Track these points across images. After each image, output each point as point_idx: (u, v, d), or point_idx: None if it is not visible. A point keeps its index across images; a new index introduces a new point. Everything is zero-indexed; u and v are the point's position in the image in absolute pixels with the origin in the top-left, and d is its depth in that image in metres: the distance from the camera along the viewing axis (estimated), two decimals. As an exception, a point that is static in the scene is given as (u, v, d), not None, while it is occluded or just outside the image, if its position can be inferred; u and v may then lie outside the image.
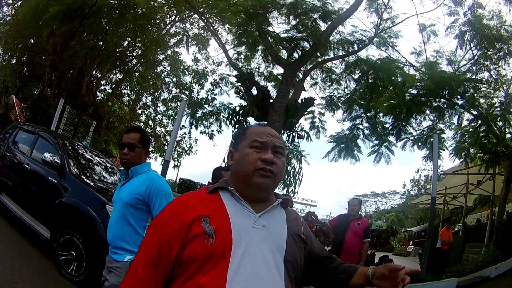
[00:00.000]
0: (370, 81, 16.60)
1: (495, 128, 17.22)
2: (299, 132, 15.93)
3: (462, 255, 17.39)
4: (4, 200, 9.51)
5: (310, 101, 15.43)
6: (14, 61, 27.09)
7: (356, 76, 17.44)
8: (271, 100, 14.61)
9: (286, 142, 15.80)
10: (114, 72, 29.94)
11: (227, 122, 16.93)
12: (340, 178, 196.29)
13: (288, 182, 15.77)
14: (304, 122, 24.50)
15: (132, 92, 32.06)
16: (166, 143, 31.27)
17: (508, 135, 17.99)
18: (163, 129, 32.78)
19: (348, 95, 18.33)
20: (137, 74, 29.03)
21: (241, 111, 15.30)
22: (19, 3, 23.68)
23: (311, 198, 65.31)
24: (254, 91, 15.00)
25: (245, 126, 13.84)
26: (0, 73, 27.51)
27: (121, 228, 4.24)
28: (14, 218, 9.01)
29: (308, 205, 59.68)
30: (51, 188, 8.47)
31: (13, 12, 25.01)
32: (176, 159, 32.35)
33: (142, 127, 32.89)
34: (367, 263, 11.50)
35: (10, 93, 26.89)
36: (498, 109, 17.61)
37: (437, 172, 14.12)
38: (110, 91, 31.24)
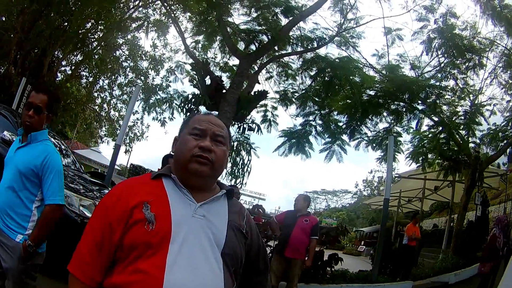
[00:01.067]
0: (326, 78, 16.28)
1: (457, 136, 17.21)
2: (249, 124, 15.71)
3: (417, 259, 17.11)
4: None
5: (263, 94, 15.22)
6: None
7: (312, 73, 17.14)
8: (224, 91, 14.36)
9: (236, 133, 15.81)
10: (75, 53, 29.34)
11: (179, 109, 16.68)
12: (290, 173, 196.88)
13: (236, 174, 15.39)
14: (256, 115, 24.26)
15: (90, 75, 31.23)
16: (119, 127, 29.92)
17: (471, 144, 18.17)
18: (117, 113, 32.31)
19: (303, 91, 17.94)
20: (96, 57, 28.49)
21: (193, 100, 14.89)
22: None
23: (260, 191, 66.08)
24: (208, 80, 14.66)
25: (196, 114, 13.94)
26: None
27: (11, 196, 3.89)
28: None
29: (257, 198, 60.55)
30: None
31: None
32: (127, 144, 32.25)
33: (97, 109, 32.87)
34: (315, 260, 11.12)
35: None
36: (462, 117, 17.58)
37: (391, 174, 13.91)
38: (69, 72, 30.55)
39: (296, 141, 18.08)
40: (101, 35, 27.02)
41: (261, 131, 15.79)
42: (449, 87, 17.09)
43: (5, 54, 23.52)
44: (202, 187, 2.14)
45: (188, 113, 14.71)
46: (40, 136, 4.11)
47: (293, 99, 18.50)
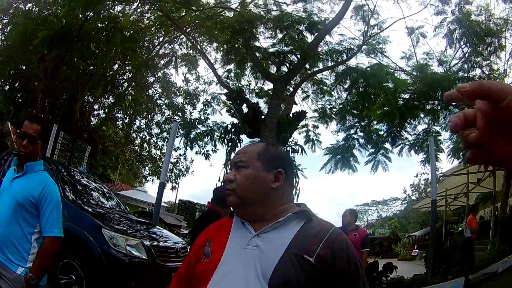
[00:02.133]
0: (361, 89, 16.24)
1: None
2: (293, 147, 15.49)
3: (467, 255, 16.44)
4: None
5: (302, 115, 15.16)
6: (7, 87, 26.90)
7: (346, 86, 17.08)
8: (262, 116, 14.27)
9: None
10: (106, 96, 29.72)
11: (220, 141, 16.54)
12: (339, 189, 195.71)
13: None
14: (298, 136, 24.17)
15: (125, 116, 31.76)
16: (162, 165, 29.89)
17: None
18: (158, 152, 32.29)
19: (341, 106, 17.96)
20: (129, 97, 28.82)
21: (233, 129, 14.91)
22: (8, 28, 23.22)
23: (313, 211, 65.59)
24: (245, 108, 14.69)
25: (238, 143, 14.35)
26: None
27: (11, 227, 3.85)
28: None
29: None
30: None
31: (2, 38, 24.70)
32: (173, 181, 31.91)
33: (138, 150, 33.08)
34: (370, 272, 11.27)
35: (5, 120, 26.58)
36: None
37: (435, 175, 13.80)
38: (103, 115, 30.94)
39: (340, 156, 18.05)
40: (130, 76, 27.29)
41: (305, 152, 15.64)
42: (476, 77, 16.69)
43: (32, 102, 24.30)
44: (256, 217, 2.14)
45: (230, 143, 14.75)
46: (36, 166, 4.11)
47: (332, 115, 18.45)
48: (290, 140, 15.43)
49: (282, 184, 2.13)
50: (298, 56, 15.05)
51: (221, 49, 18.35)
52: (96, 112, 31.37)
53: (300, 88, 17.77)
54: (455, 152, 17.42)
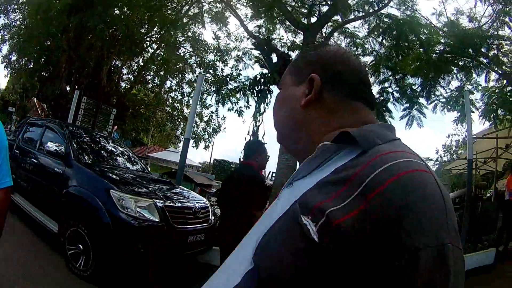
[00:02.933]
0: (394, 39, 15.56)
1: None
2: None
3: (497, 223, 15.36)
4: (17, 200, 8.93)
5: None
6: (31, 65, 26.61)
7: (380, 37, 16.42)
8: None
9: None
10: (135, 60, 29.23)
11: (249, 92, 15.85)
12: None
13: None
14: None
15: (156, 77, 31.07)
16: (195, 124, 29.27)
17: None
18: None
19: (374, 59, 17.25)
20: (159, 58, 27.98)
21: (262, 80, 14.05)
22: (25, 6, 22.80)
23: None
24: (274, 58, 13.92)
25: (267, 94, 13.57)
26: (19, 78, 27.51)
27: None
28: (26, 216, 8.58)
29: None
30: (58, 179, 8.06)
31: (21, 16, 24.68)
32: (207, 140, 30.45)
33: (170, 110, 32.55)
34: None
35: (30, 96, 26.32)
36: None
37: (471, 132, 12.72)
38: (132, 79, 30.49)
39: (375, 110, 16.97)
40: (158, 37, 26.59)
41: None
42: (505, 37, 15.74)
43: (56, 75, 24.09)
44: (299, 154, 1.41)
45: (260, 94, 13.99)
46: None
47: (367, 69, 17.53)
48: None
49: (319, 97, 1.34)
50: (329, 3, 14.53)
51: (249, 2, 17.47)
52: (125, 77, 31.10)
53: (332, 40, 16.93)
54: (487, 113, 16.58)
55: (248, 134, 13.25)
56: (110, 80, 26.63)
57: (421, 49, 14.80)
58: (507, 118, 17.75)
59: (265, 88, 13.98)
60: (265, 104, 13.41)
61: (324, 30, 15.89)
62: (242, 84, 17.57)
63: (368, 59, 17.70)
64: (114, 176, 8.03)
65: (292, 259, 0.95)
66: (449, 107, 16.73)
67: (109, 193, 6.81)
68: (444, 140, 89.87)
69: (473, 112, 16.21)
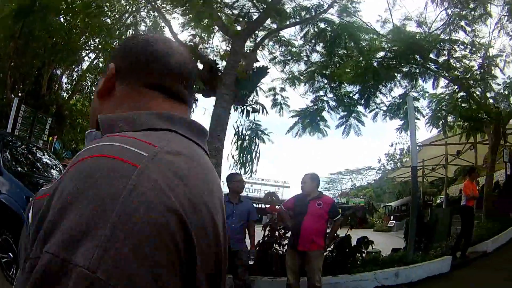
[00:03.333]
0: (329, 44, 14.80)
1: (474, 94, 15.83)
2: (253, 106, 13.73)
3: (450, 229, 14.90)
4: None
5: (263, 70, 13.35)
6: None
7: (314, 42, 15.58)
8: (219, 73, 12.62)
9: (240, 117, 13.89)
10: (74, 69, 28.45)
11: None
12: (313, 157, 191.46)
13: (243, 161, 13.32)
14: (265, 100, 22.75)
15: (94, 87, 29.38)
16: None
17: (490, 100, 16.48)
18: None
19: (309, 67, 16.39)
20: (97, 68, 26.85)
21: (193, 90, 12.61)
22: None
23: (283, 179, 66.49)
24: (200, 65, 12.88)
25: (193, 102, 12.34)
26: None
27: None
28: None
29: (280, 186, 60.72)
30: (-13, 188, 7.99)
31: None
32: None
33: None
34: (340, 246, 9.70)
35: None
36: (478, 71, 15.76)
37: (415, 138, 11.74)
38: (71, 88, 29.63)
39: (309, 119, 16.34)
40: (97, 45, 25.23)
41: (266, 111, 13.87)
42: (459, 41, 15.10)
43: (1, 82, 22.92)
44: None
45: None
46: None
47: (301, 77, 16.79)
48: (251, 98, 13.76)
49: (112, 87, 1.21)
50: (260, 10, 13.86)
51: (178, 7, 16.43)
52: (65, 86, 30.35)
53: (267, 49, 16.53)
54: (434, 120, 16.26)
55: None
56: (50, 89, 25.91)
57: (360, 57, 14.00)
58: (458, 124, 17.04)
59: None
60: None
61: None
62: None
63: (303, 68, 16.92)
64: (38, 184, 7.90)
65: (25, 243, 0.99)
66: (391, 115, 15.90)
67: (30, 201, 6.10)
68: (387, 149, 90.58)
69: (419, 119, 15.69)
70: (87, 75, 27.90)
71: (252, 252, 8.10)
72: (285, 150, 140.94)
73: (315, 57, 16.21)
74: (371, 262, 10.29)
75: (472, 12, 14.92)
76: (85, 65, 27.55)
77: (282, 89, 17.23)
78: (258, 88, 14.99)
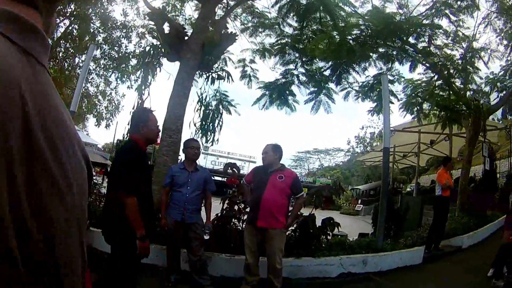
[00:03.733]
0: (302, 15, 13.92)
1: (454, 85, 15.30)
2: (219, 73, 12.70)
3: (422, 219, 14.43)
4: None
5: (231, 37, 12.36)
6: None
7: (285, 15, 14.60)
8: (186, 38, 11.79)
9: (205, 84, 12.80)
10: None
11: (138, 66, 14.97)
12: (282, 133, 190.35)
13: (205, 129, 12.36)
14: (234, 72, 22.04)
15: (67, 55, 28.04)
16: (99, 103, 28.58)
17: (469, 93, 16.33)
18: (95, 89, 29.16)
19: (281, 38, 15.54)
20: (72, 35, 25.84)
21: (152, 51, 12.07)
22: None
23: (250, 154, 66.61)
24: (167, 28, 12.07)
25: (157, 67, 12.17)
26: None
27: None
28: None
29: (247, 161, 60.56)
30: None
31: None
32: (108, 119, 28.79)
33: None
34: (303, 227, 8.79)
35: None
36: (459, 62, 15.24)
37: (388, 119, 10.80)
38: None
39: (277, 93, 15.64)
40: (73, 12, 24.45)
41: (232, 79, 12.81)
42: (441, 28, 14.24)
43: None
44: None
45: (148, 67, 12.07)
46: None
47: (272, 49, 15.97)
48: (217, 65, 12.88)
49: None
50: None
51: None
52: None
53: (239, 19, 16.05)
54: (409, 106, 15.80)
55: (133, 108, 11.39)
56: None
57: (334, 32, 13.23)
58: (434, 113, 16.73)
59: (155, 60, 12.20)
60: (151, 77, 11.86)
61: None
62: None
63: (274, 41, 16.06)
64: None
65: None
66: (364, 96, 15.42)
67: None
68: (357, 132, 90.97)
69: (393, 103, 15.05)
70: (61, 42, 26.50)
71: (208, 226, 7.30)
72: (253, 124, 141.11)
73: (288, 30, 15.46)
74: (337, 246, 9.43)
75: (458, 2, 14.22)
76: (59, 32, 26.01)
77: (252, 61, 16.70)
78: (227, 59, 14.84)
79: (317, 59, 14.89)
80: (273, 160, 6.95)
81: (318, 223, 9.30)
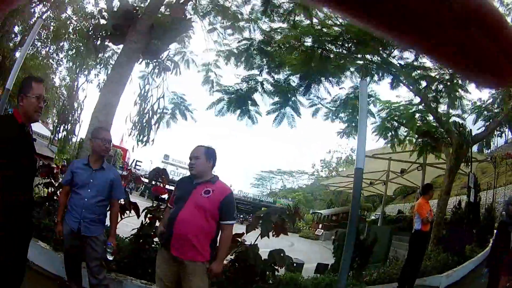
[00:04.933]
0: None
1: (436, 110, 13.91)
2: (165, 63, 10.80)
3: (389, 251, 12.80)
4: None
5: (186, 23, 10.54)
6: None
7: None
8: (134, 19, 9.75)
9: (148, 74, 11.18)
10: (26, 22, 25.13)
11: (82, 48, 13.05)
12: (242, 151, 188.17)
13: (140, 126, 10.28)
14: (196, 75, 20.62)
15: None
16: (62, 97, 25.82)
17: (455, 118, 14.64)
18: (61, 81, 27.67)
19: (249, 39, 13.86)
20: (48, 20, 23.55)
21: (96, 33, 10.25)
22: None
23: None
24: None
25: (100, 51, 11.29)
26: None
27: None
28: None
29: None
30: None
31: None
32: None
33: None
34: (241, 260, 6.37)
35: None
36: (441, 86, 13.70)
37: (365, 133, 8.48)
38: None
39: (237, 99, 13.78)
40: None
41: (179, 72, 11.02)
42: None
43: None
44: None
45: (97, 49, 10.64)
46: None
47: (236, 52, 14.08)
48: (165, 54, 10.94)
49: None
50: None
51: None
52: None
53: (208, 19, 14.21)
54: (383, 130, 14.36)
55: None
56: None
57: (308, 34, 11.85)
58: (409, 139, 15.15)
59: (97, 42, 10.47)
60: (93, 60, 10.91)
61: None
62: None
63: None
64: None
65: None
66: (335, 114, 14.08)
67: None
68: (323, 156, 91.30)
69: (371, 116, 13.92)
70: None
71: (109, 244, 5.19)
72: (213, 134, 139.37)
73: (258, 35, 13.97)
74: (287, 286, 7.03)
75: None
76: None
77: (217, 65, 15.12)
78: (190, 60, 13.85)
79: (287, 68, 13.20)
80: (205, 169, 4.54)
81: (265, 252, 6.75)
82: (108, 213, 5.42)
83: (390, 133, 14.43)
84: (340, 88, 13.67)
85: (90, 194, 5.07)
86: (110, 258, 5.23)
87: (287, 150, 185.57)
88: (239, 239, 6.32)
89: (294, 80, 13.70)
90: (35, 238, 6.75)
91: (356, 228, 8.93)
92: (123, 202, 6.40)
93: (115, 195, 5.32)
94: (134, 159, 24.76)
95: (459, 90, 13.72)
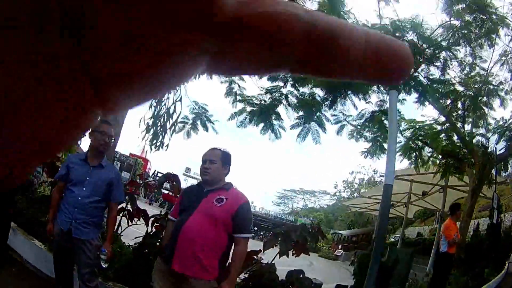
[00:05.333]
0: None
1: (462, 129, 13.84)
2: None
3: (409, 273, 11.49)
4: None
5: None
6: None
7: None
8: None
9: None
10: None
11: None
12: (266, 167, 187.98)
13: (154, 130, 9.49)
14: (219, 86, 20.21)
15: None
16: None
17: (479, 138, 14.37)
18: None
19: None
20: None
21: None
22: None
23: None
24: None
25: None
26: None
27: None
28: None
29: None
30: None
31: None
32: None
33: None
34: (256, 281, 5.73)
35: None
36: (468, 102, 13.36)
37: (395, 145, 7.98)
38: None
39: (260, 112, 13.27)
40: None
41: (198, 75, 10.20)
42: (458, 49, 12.70)
43: None
44: None
45: None
46: None
47: None
48: None
49: None
50: None
51: None
52: None
53: None
54: (407, 150, 14.07)
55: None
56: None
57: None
58: (433, 160, 14.73)
59: None
60: None
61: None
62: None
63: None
64: None
65: None
66: (358, 134, 13.86)
67: None
68: (346, 176, 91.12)
69: (385, 143, 12.99)
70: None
71: (103, 251, 4.58)
72: (237, 148, 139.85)
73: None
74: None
75: (479, 27, 12.21)
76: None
77: (240, 77, 13.83)
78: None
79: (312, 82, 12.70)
80: (219, 175, 3.82)
81: (281, 270, 6.22)
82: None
83: (414, 154, 14.04)
84: (366, 102, 13.21)
85: (84, 192, 4.52)
86: (105, 265, 4.66)
87: (309, 167, 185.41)
88: (255, 257, 5.70)
89: (319, 94, 13.18)
90: (30, 236, 6.55)
91: (383, 245, 8.47)
92: (130, 209, 5.96)
93: (113, 197, 4.74)
94: (155, 170, 24.22)
95: (484, 107, 13.38)
